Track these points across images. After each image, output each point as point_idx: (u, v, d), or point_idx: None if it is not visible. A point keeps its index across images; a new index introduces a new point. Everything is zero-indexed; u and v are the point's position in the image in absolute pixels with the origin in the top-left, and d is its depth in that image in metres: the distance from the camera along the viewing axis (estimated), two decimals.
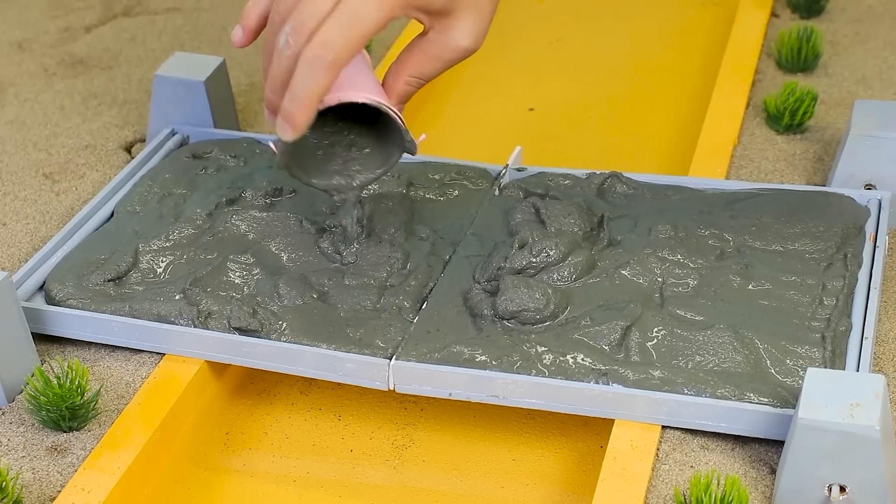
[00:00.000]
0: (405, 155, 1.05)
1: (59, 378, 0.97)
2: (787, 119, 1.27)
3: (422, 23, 1.01)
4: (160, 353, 1.05)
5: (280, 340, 1.02)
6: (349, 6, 0.94)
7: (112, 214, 1.18)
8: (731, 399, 0.94)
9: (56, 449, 0.97)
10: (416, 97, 1.44)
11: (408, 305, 1.04)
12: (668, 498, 0.91)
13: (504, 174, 1.19)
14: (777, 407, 0.93)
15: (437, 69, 1.03)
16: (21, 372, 1.01)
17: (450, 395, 0.99)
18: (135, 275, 1.09)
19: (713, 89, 1.34)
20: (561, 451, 1.02)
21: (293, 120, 0.96)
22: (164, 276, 1.09)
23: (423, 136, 1.06)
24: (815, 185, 1.20)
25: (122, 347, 1.06)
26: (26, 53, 1.49)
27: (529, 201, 1.14)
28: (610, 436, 0.95)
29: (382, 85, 1.03)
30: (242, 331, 1.03)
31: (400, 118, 1.02)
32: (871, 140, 1.14)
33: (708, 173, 1.21)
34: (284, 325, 1.03)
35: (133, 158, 1.27)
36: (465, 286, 1.06)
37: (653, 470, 0.93)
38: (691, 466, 0.93)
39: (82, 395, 0.98)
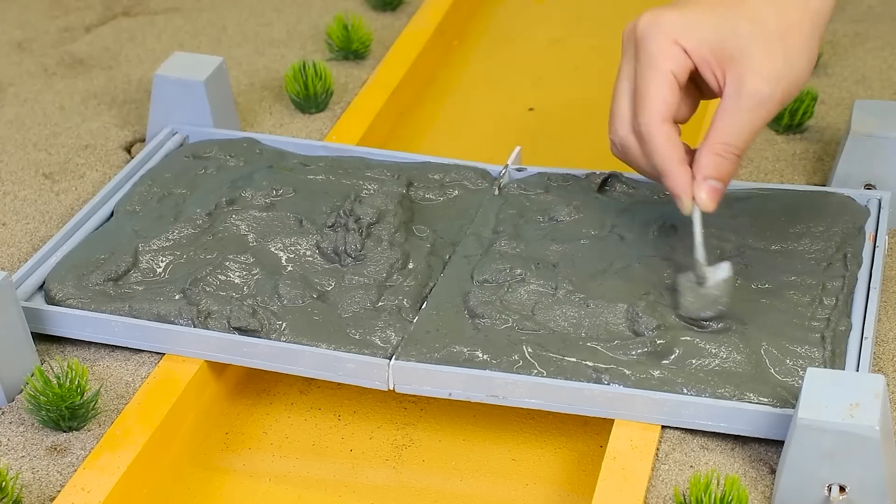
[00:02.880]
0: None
1: (58, 378, 0.97)
2: (787, 119, 1.27)
3: (718, 84, 0.95)
4: (160, 353, 1.05)
5: (280, 340, 1.02)
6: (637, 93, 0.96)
7: (112, 214, 1.18)
8: (730, 399, 0.94)
9: (56, 449, 0.97)
10: (416, 97, 1.44)
11: (408, 305, 1.04)
12: (668, 498, 0.91)
13: (504, 174, 1.19)
14: (777, 407, 0.93)
15: (739, 127, 0.93)
16: (21, 372, 1.01)
17: (450, 395, 0.99)
18: (135, 274, 1.09)
19: None
20: (561, 451, 1.02)
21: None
22: (163, 276, 1.09)
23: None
24: (815, 185, 1.20)
25: (122, 347, 1.06)
26: (26, 53, 1.49)
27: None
28: (610, 436, 0.95)
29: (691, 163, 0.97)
30: (242, 331, 1.03)
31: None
32: (871, 140, 1.14)
33: None
34: (284, 325, 1.03)
35: (133, 158, 1.27)
36: (465, 286, 1.06)
37: (652, 470, 0.93)
38: (691, 466, 0.93)
39: (82, 395, 0.98)
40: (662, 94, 0.94)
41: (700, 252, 0.99)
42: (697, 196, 0.96)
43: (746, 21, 0.92)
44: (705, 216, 1.10)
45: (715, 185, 0.96)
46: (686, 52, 0.94)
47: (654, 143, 0.95)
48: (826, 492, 0.87)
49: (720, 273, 0.99)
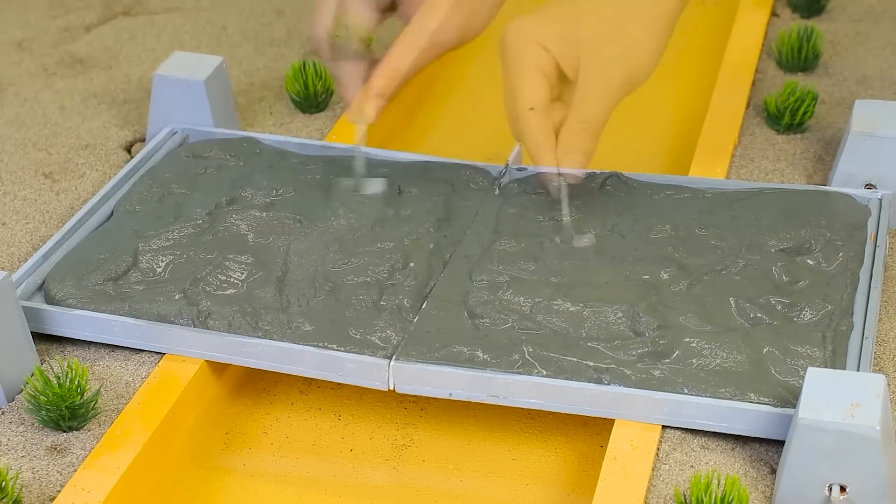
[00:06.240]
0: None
1: (58, 378, 0.97)
2: (788, 119, 1.27)
3: (575, 72, 1.03)
4: (160, 353, 1.05)
5: (280, 340, 1.02)
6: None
7: (112, 214, 1.18)
8: (731, 399, 0.94)
9: (56, 449, 0.97)
10: (416, 97, 1.44)
11: (408, 305, 1.04)
12: (669, 498, 0.91)
13: (504, 174, 1.19)
14: (777, 407, 0.93)
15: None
16: (21, 372, 1.01)
17: (450, 395, 0.99)
18: (134, 274, 1.09)
19: (713, 89, 1.34)
20: (561, 451, 1.02)
21: None
22: (163, 276, 1.09)
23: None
24: (816, 184, 1.20)
25: (122, 347, 1.06)
26: (26, 53, 1.49)
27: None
28: (610, 436, 0.95)
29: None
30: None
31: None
32: (871, 140, 1.14)
33: (708, 173, 1.21)
34: None
35: (133, 158, 1.27)
36: (465, 286, 1.06)
37: (653, 470, 0.93)
38: (691, 466, 0.93)
39: (82, 395, 0.98)
40: (529, 83, 1.04)
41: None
42: None
43: (588, 13, 1.02)
44: (707, 218, 1.11)
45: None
46: (546, 49, 1.02)
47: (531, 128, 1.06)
48: (826, 492, 0.87)
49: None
